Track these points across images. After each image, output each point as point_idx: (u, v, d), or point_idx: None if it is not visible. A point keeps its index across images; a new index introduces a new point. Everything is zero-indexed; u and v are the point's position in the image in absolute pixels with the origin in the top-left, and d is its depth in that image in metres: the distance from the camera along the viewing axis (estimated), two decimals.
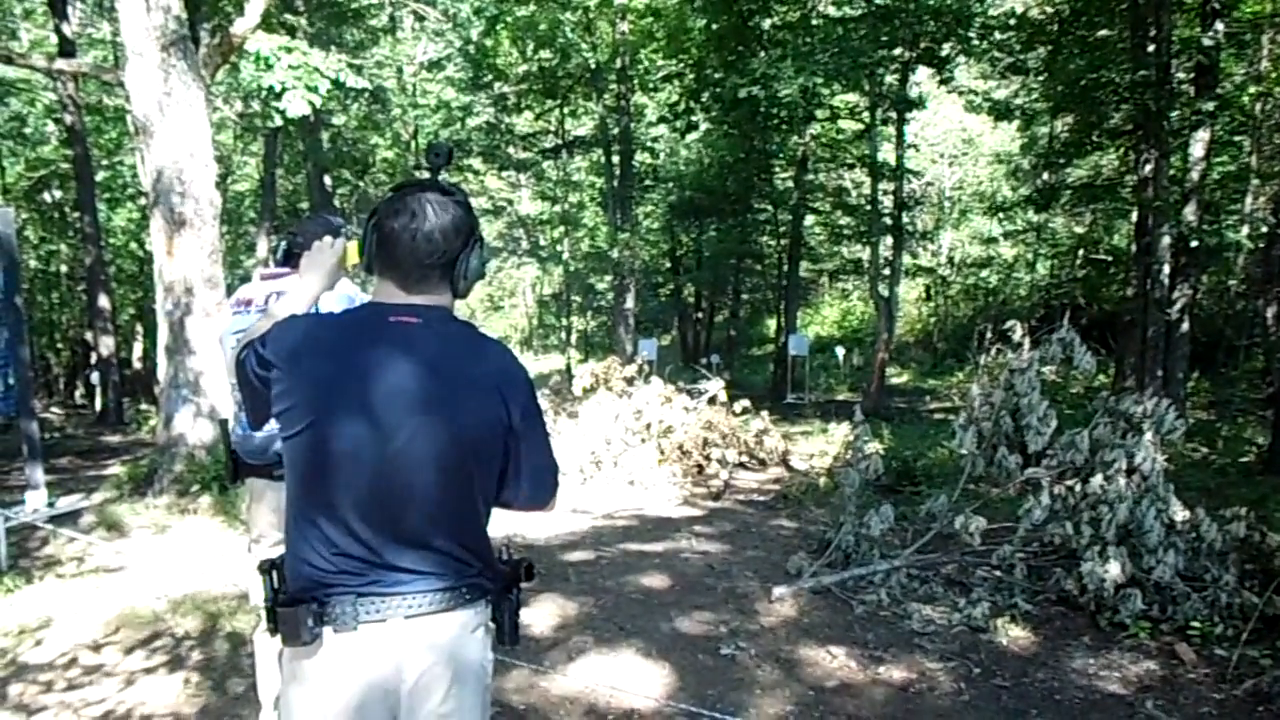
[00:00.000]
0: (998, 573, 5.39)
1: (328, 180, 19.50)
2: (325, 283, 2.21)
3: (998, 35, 16.05)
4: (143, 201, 22.83)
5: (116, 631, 4.77)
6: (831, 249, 26.78)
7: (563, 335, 28.64)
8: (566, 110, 22.35)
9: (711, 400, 9.99)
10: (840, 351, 23.73)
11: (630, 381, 10.33)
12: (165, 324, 6.99)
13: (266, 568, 1.89)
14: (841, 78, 15.75)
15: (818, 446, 11.35)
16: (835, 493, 8.25)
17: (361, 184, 22.99)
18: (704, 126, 20.28)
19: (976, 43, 16.35)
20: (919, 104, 19.16)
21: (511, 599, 1.94)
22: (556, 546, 6.39)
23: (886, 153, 19.01)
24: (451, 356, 1.82)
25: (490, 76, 20.92)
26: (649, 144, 23.37)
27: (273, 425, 2.97)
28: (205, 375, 6.92)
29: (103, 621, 4.88)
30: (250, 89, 7.04)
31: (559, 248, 24.08)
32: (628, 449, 9.12)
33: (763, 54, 16.37)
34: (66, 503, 6.84)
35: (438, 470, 1.77)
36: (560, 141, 22.76)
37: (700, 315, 29.62)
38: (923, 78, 20.41)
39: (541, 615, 4.94)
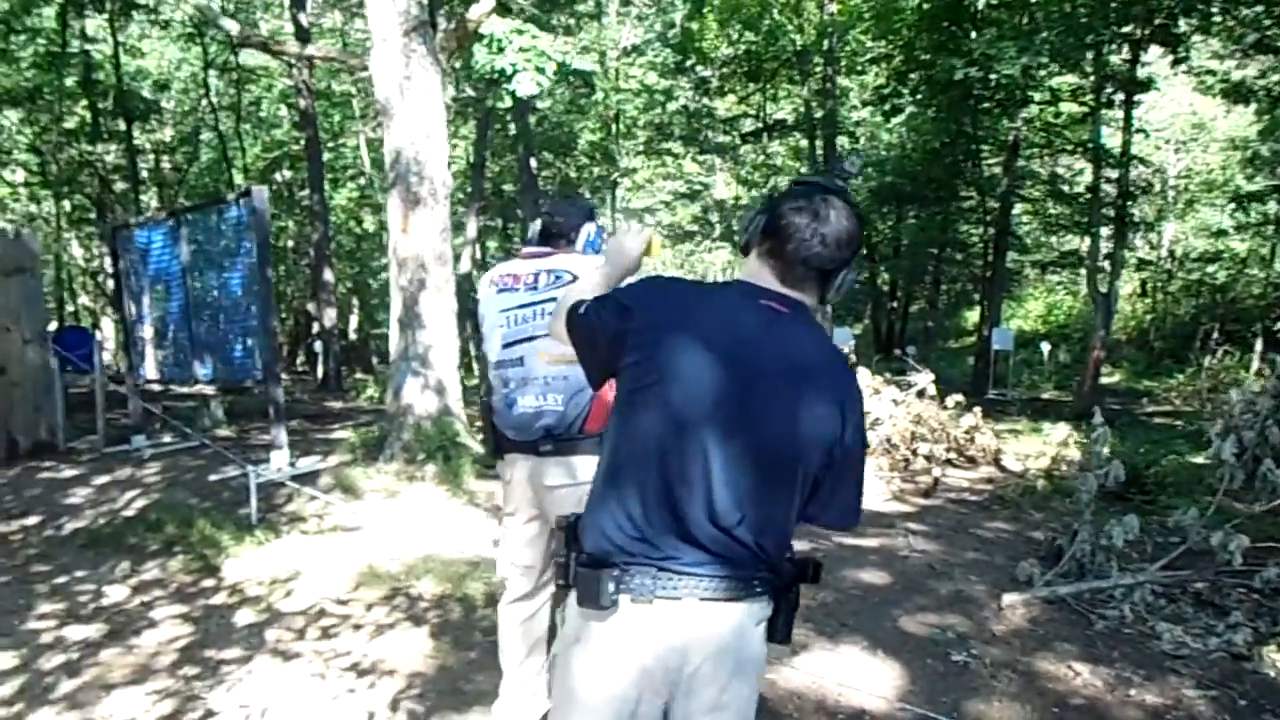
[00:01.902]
0: (1256, 596, 4.94)
1: (533, 163, 20.06)
2: (632, 267, 2.24)
3: (1244, 10, 14.74)
4: (361, 181, 24.33)
5: (358, 588, 5.03)
6: (1041, 239, 25.47)
7: None
8: (768, 94, 22.13)
9: (920, 393, 9.65)
10: (1045, 347, 22.59)
11: None
12: (398, 298, 7.34)
13: (564, 524, 1.93)
14: (1064, 57, 14.87)
15: (1030, 446, 10.79)
16: (1055, 496, 7.84)
17: (563, 166, 23.54)
18: (909, 110, 19.65)
19: (1219, 18, 15.07)
20: (1149, 85, 17.81)
21: (791, 597, 1.90)
22: None
23: (1108, 138, 17.83)
24: (808, 356, 1.81)
25: (694, 60, 20.94)
26: (850, 128, 22.85)
27: (538, 402, 3.04)
28: (434, 349, 7.22)
29: (345, 577, 5.16)
30: (482, 71, 7.26)
31: None
32: None
33: (979, 33, 15.72)
34: (306, 463, 7.29)
35: (764, 463, 1.75)
36: (761, 125, 22.56)
37: (895, 305, 28.79)
38: (1150, 57, 18.99)
39: None
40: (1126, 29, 15.37)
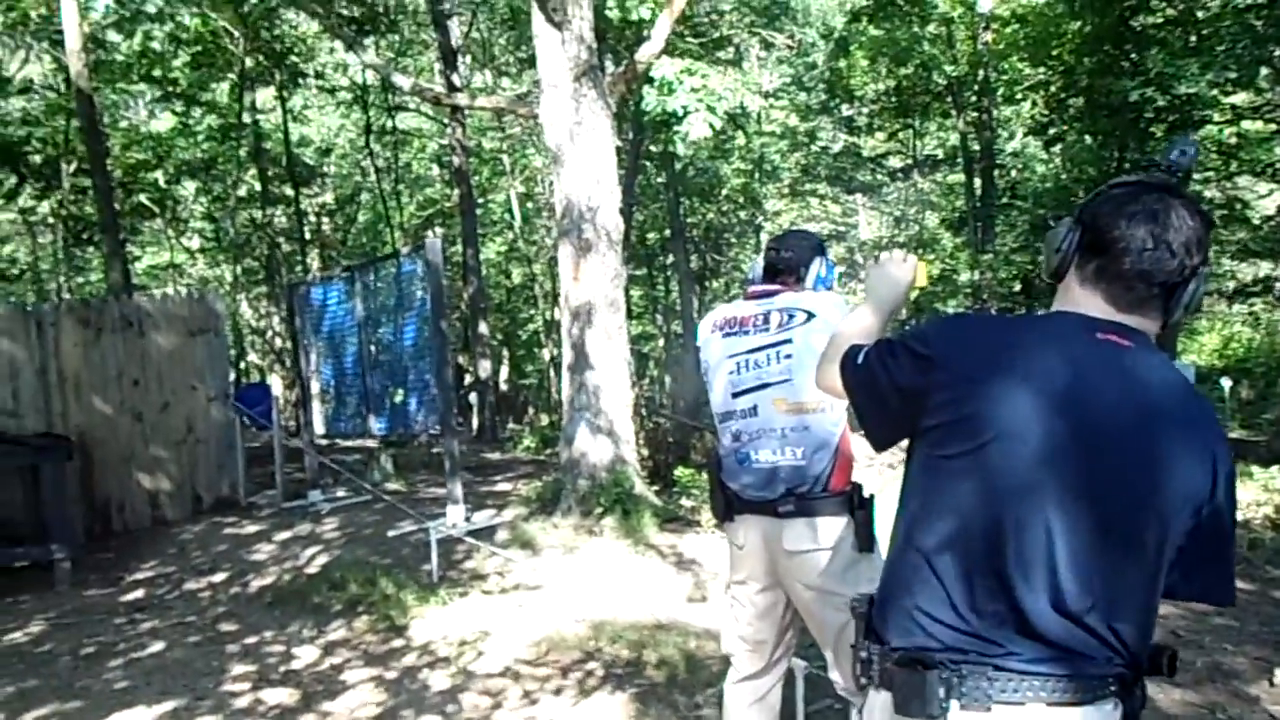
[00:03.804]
0: None
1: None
2: (901, 301, 1.95)
3: None
4: (509, 236, 24.80)
5: (548, 652, 4.80)
6: (1216, 269, 23.81)
7: None
8: (919, 129, 21.54)
9: None
10: (1226, 383, 20.97)
11: None
12: (569, 346, 7.20)
13: (859, 610, 1.64)
14: (1248, 72, 13.89)
15: (1241, 494, 9.84)
16: None
17: (707, 211, 23.39)
18: (1069, 138, 18.77)
19: None
20: None
21: (1137, 693, 1.51)
22: None
23: None
24: (1165, 398, 1.45)
25: (840, 99, 20.58)
26: (1002, 160, 22.00)
27: (775, 456, 2.73)
28: (607, 397, 7.02)
29: (533, 639, 4.94)
30: (654, 115, 7.11)
31: None
32: None
33: (1142, 53, 14.93)
34: (481, 517, 7.18)
35: (1119, 533, 1.41)
36: (910, 161, 21.96)
37: None
38: None
39: None
40: None
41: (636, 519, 6.56)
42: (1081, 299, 1.54)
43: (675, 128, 7.17)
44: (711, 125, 6.86)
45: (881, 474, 9.97)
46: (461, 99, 10.45)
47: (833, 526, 2.67)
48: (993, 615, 1.43)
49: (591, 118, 6.88)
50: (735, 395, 2.79)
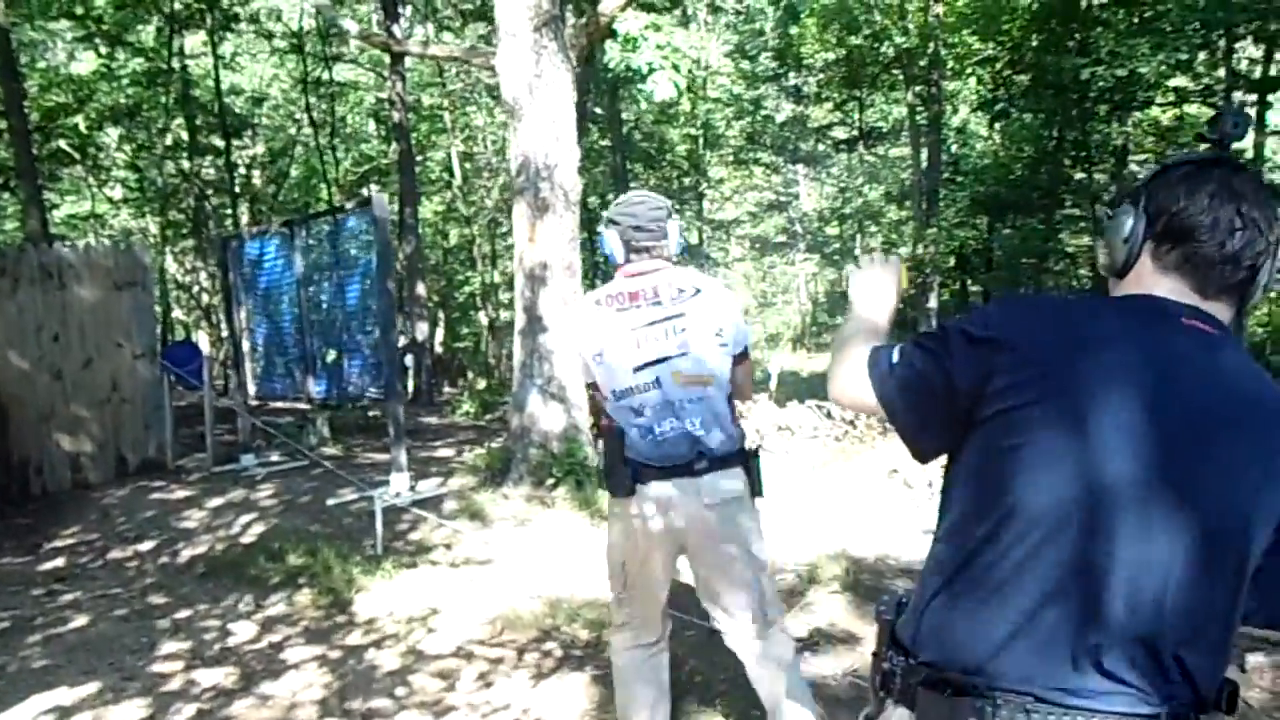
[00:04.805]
0: None
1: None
2: (892, 306, 1.79)
3: None
4: (447, 196, 24.19)
5: (502, 631, 4.59)
6: None
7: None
8: (865, 100, 21.47)
9: None
10: None
11: None
12: (521, 309, 6.90)
13: (884, 615, 1.50)
14: (1198, 53, 14.08)
15: None
16: None
17: (650, 175, 23.09)
18: (1011, 114, 18.88)
19: None
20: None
21: None
22: None
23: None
24: (1254, 392, 1.30)
25: (789, 67, 20.40)
26: (945, 135, 22.08)
27: (682, 425, 2.80)
28: (561, 364, 6.75)
29: (487, 616, 4.73)
30: (617, 71, 6.82)
31: (850, 245, 23.25)
32: None
33: (1088, 31, 15.05)
34: (427, 486, 6.90)
35: (1200, 545, 1.23)
36: (857, 133, 21.91)
37: None
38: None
39: None
40: (1256, 26, 14.44)
41: (591, 490, 6.34)
42: (1156, 286, 1.37)
43: (639, 86, 6.89)
44: (676, 85, 6.61)
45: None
46: (413, 46, 9.99)
47: (739, 477, 2.81)
48: (1048, 637, 1.26)
49: (552, 71, 6.55)
50: (636, 370, 2.78)
